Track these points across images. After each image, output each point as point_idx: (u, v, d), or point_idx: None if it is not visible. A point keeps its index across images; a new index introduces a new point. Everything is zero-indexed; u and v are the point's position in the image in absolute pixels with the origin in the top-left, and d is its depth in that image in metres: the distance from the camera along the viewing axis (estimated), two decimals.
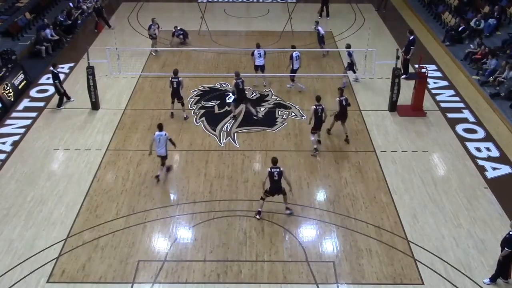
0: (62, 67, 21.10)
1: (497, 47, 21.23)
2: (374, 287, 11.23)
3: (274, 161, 12.70)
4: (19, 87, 19.33)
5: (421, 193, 14.07)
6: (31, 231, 12.65)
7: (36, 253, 11.95)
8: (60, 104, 18.32)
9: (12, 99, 18.57)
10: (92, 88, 17.86)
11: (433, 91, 19.53)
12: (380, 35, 24.96)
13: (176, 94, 17.20)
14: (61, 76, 20.17)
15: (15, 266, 11.59)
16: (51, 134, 16.74)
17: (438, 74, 21.01)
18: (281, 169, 12.62)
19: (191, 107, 18.29)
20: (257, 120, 17.47)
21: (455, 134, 16.78)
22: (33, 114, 17.92)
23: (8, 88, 18.58)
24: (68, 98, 18.60)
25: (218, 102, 18.67)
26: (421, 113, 17.86)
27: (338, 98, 15.87)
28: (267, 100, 18.82)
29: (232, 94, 18.02)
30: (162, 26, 23.26)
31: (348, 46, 19.68)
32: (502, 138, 16.58)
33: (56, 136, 16.61)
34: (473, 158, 15.56)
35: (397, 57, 17.70)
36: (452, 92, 19.59)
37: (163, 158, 14.25)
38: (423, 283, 11.25)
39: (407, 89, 18.54)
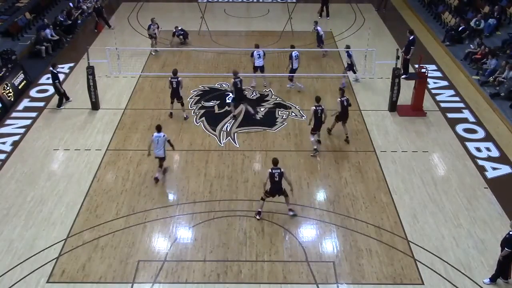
0: (62, 67, 21.11)
1: (497, 47, 21.23)
2: (374, 287, 11.23)
3: (275, 162, 12.69)
4: (19, 87, 19.33)
5: (421, 193, 14.07)
6: (31, 231, 12.65)
7: (36, 253, 11.95)
8: (60, 104, 18.32)
9: (12, 99, 18.57)
10: (92, 88, 17.86)
11: (433, 91, 19.53)
12: (380, 35, 24.95)
13: (175, 94, 17.21)
14: (61, 76, 20.22)
15: (15, 266, 11.59)
16: (51, 134, 16.74)
17: (438, 74, 21.01)
18: (282, 170, 12.61)
19: (191, 107, 18.29)
20: (257, 119, 17.47)
21: (455, 134, 16.79)
22: (33, 114, 17.92)
23: (8, 88, 18.58)
24: (67, 98, 18.59)
25: (218, 102, 18.67)
26: (421, 113, 17.86)
27: (339, 99, 15.85)
28: (267, 100, 18.83)
29: (231, 94, 18.02)
30: (162, 26, 23.26)
31: (348, 47, 19.70)
32: (502, 138, 16.58)
33: (56, 136, 16.62)
34: (473, 158, 15.56)
35: (397, 57, 17.70)
36: (452, 92, 19.59)
37: (161, 159, 14.24)
38: (423, 283, 11.25)
39: (407, 89, 18.54)
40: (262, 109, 18.19)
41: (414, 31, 21.06)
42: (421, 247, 12.20)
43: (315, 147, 15.63)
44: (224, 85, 19.73)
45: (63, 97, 18.41)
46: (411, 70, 20.21)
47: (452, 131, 16.98)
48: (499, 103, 18.19)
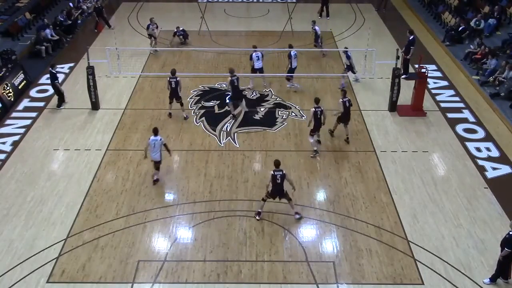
0: (62, 67, 21.12)
1: (497, 47, 21.23)
2: (374, 287, 11.23)
3: (277, 163, 12.66)
4: (19, 87, 19.33)
5: (421, 193, 14.07)
6: (31, 231, 12.65)
7: (36, 253, 11.95)
8: (59, 104, 18.32)
9: (12, 99, 18.57)
10: (92, 88, 17.86)
11: (433, 91, 19.53)
12: (380, 35, 24.95)
13: (174, 94, 17.20)
14: (62, 76, 20.25)
15: (15, 266, 11.59)
16: (51, 134, 16.74)
17: (438, 74, 21.01)
18: (284, 171, 12.60)
19: (191, 107, 18.29)
20: (257, 119, 17.46)
21: (455, 134, 16.78)
22: (33, 114, 17.92)
23: (8, 88, 18.58)
24: (63, 100, 18.47)
25: (218, 102, 18.67)
26: (421, 113, 17.86)
27: (341, 100, 15.80)
28: (267, 100, 18.83)
29: (228, 92, 18.01)
30: (162, 26, 23.28)
31: (346, 48, 19.75)
32: (502, 138, 16.58)
33: (56, 136, 16.62)
34: (473, 158, 15.56)
35: (397, 57, 17.70)
36: (452, 92, 19.59)
37: (157, 163, 14.20)
38: (423, 283, 11.25)
39: (407, 89, 18.54)
40: (262, 109, 18.19)
41: (414, 31, 21.08)
42: (421, 247, 12.20)
43: (315, 148, 15.62)
44: (224, 85, 19.72)
45: (63, 97, 18.40)
46: (411, 70, 20.22)
47: (452, 131, 16.98)
48: (499, 103, 18.19)
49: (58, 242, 12.29)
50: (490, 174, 14.85)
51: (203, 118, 17.64)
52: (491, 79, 19.39)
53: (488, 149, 15.99)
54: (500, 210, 13.39)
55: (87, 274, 11.42)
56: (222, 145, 16.23)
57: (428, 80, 18.58)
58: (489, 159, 15.52)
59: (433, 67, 21.24)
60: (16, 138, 16.52)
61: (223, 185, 14.35)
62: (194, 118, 17.67)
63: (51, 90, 18.93)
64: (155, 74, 20.65)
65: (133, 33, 25.35)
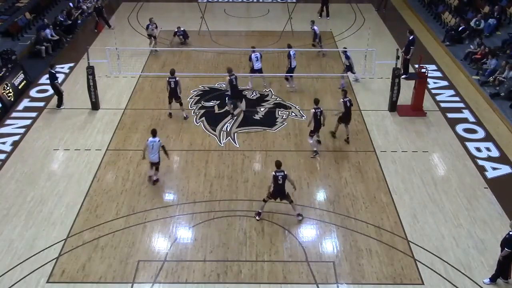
0: (62, 67, 21.12)
1: (497, 47, 21.24)
2: (374, 287, 11.23)
3: (278, 164, 12.64)
4: (19, 87, 19.33)
5: (421, 193, 14.07)
6: (31, 231, 12.65)
7: (36, 253, 11.95)
8: (59, 104, 18.32)
9: (12, 99, 18.57)
10: (92, 88, 17.86)
11: (433, 91, 19.53)
12: (380, 35, 24.95)
13: (174, 94, 17.19)
14: (61, 76, 20.25)
15: (15, 266, 11.59)
16: (51, 134, 16.74)
17: (438, 74, 21.01)
18: (285, 172, 12.60)
19: (191, 107, 18.29)
20: (257, 119, 17.46)
21: (455, 134, 16.79)
22: (33, 114, 17.92)
23: (8, 88, 18.58)
24: (62, 102, 18.46)
25: (218, 102, 18.67)
26: (421, 113, 17.86)
27: (342, 100, 15.79)
28: (267, 100, 18.83)
29: (227, 92, 18.01)
30: (162, 26, 23.28)
31: (345, 49, 19.75)
32: (502, 138, 16.58)
33: (56, 136, 16.62)
34: (473, 158, 15.56)
35: (397, 57, 17.70)
36: (452, 92, 19.59)
37: (156, 164, 14.18)
38: (423, 283, 11.25)
39: (407, 89, 18.54)
40: (262, 109, 18.19)
41: (414, 31, 21.06)
42: (421, 247, 12.20)
43: (315, 148, 15.62)
44: (224, 85, 19.71)
45: (62, 97, 18.40)
46: (411, 70, 20.21)
47: (452, 131, 16.97)
48: (499, 103, 18.19)
49: (58, 242, 12.28)
50: (490, 174, 14.85)
51: (203, 118, 17.64)
52: (491, 79, 19.39)
53: (488, 149, 15.99)
54: (500, 210, 13.39)
55: (87, 274, 11.42)
56: (222, 145, 16.23)
57: (428, 80, 18.58)
58: (489, 159, 15.52)
59: (433, 67, 21.24)
60: (16, 138, 16.52)
61: (223, 185, 14.35)
62: (194, 118, 17.66)
63: (51, 90, 18.93)
64: (155, 74, 20.65)
65: (133, 33, 25.35)
